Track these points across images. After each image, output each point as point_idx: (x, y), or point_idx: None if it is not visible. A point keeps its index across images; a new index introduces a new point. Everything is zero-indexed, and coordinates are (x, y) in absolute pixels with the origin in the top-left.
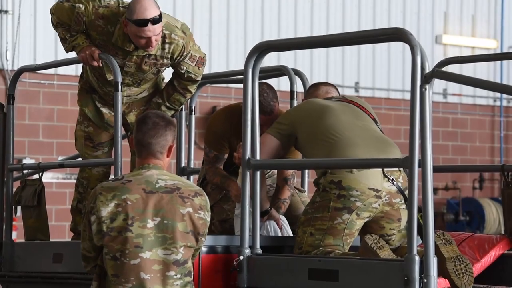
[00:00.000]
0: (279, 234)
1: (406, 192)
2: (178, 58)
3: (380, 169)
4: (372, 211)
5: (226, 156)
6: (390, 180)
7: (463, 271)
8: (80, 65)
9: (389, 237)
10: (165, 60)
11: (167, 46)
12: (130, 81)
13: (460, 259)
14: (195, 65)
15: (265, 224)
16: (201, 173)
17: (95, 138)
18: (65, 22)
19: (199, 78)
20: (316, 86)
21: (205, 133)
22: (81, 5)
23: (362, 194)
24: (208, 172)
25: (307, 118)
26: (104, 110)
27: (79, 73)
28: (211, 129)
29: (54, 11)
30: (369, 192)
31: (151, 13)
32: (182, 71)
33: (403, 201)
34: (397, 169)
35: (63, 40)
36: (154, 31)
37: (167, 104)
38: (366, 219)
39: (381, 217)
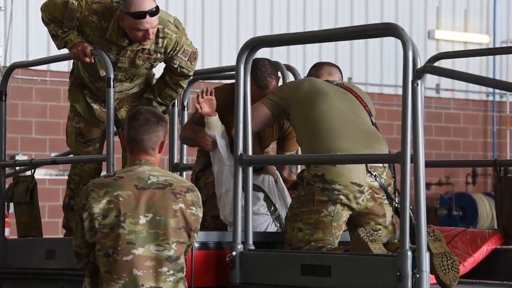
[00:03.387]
0: (275, 190)
1: (389, 189)
2: (171, 52)
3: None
4: (356, 206)
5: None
6: (372, 176)
7: (449, 267)
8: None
9: (376, 233)
10: (159, 55)
11: (160, 40)
12: (123, 76)
13: (448, 255)
14: (188, 60)
15: (260, 177)
16: (195, 167)
17: (86, 134)
18: (57, 19)
19: (191, 73)
20: (320, 65)
21: None
22: (74, 1)
23: (345, 188)
24: (184, 127)
25: (302, 99)
26: (95, 106)
27: None
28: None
29: (46, 7)
30: (352, 187)
31: (148, 5)
32: (175, 66)
33: (385, 197)
34: (381, 165)
35: (54, 36)
36: (151, 23)
37: (159, 100)
38: (351, 212)
39: (366, 213)
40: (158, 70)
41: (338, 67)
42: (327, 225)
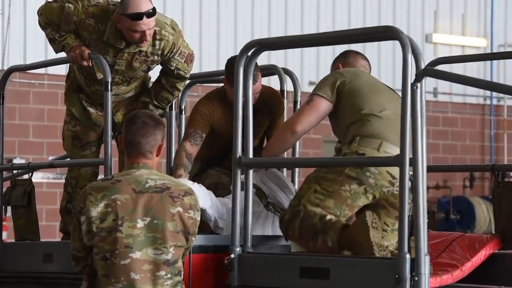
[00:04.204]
0: (265, 179)
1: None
2: (168, 54)
3: None
4: (380, 193)
5: (204, 135)
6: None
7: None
8: None
9: (386, 229)
10: (156, 57)
11: (157, 42)
12: (120, 79)
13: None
14: (184, 62)
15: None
16: (192, 169)
17: (82, 137)
18: (54, 23)
19: (187, 75)
20: (355, 57)
21: (190, 114)
22: (70, 5)
23: (379, 174)
24: (178, 148)
25: (359, 87)
26: (91, 110)
27: None
28: (194, 109)
29: (43, 11)
30: (386, 175)
31: (145, 7)
32: (172, 68)
33: (410, 201)
34: None
35: (52, 40)
36: (148, 25)
37: (155, 103)
38: (371, 200)
39: (382, 206)
40: (154, 73)
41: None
42: (342, 199)
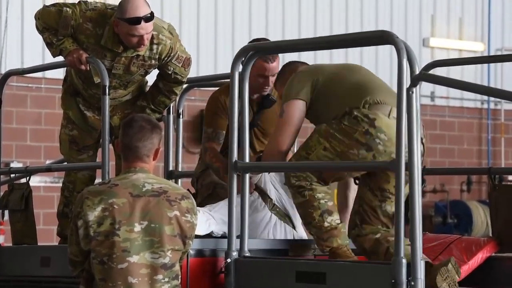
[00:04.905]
0: (267, 181)
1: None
2: (166, 58)
3: None
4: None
5: (224, 132)
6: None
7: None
8: None
9: (389, 196)
10: (153, 61)
11: (155, 47)
12: (117, 83)
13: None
14: (182, 66)
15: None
16: (196, 170)
17: (80, 141)
18: (51, 27)
19: (185, 79)
20: (295, 63)
21: (206, 113)
22: (68, 9)
23: (388, 140)
24: (208, 152)
25: (328, 76)
26: (88, 113)
27: None
28: (206, 108)
29: (40, 16)
30: (394, 142)
31: (143, 11)
32: (169, 72)
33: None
34: (422, 137)
35: (49, 44)
36: (146, 29)
37: (152, 107)
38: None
39: (388, 174)
40: (151, 77)
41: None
42: (348, 159)
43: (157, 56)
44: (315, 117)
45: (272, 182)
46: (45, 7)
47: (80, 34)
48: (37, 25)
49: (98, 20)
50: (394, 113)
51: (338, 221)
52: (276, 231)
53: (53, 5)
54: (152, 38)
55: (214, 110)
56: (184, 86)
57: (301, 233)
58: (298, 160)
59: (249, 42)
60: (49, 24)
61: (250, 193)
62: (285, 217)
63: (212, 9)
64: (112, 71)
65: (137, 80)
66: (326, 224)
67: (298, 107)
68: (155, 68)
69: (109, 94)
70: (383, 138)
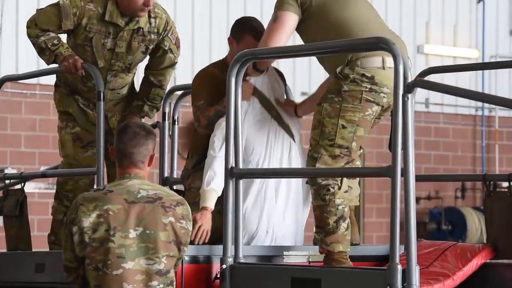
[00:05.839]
0: (267, 84)
1: None
2: (163, 33)
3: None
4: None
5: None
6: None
7: None
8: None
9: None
10: (153, 36)
11: (152, 20)
12: (120, 67)
13: None
14: (174, 44)
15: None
16: (187, 164)
17: (84, 137)
18: (52, 27)
19: (177, 60)
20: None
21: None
22: (64, 0)
23: (391, 91)
24: (200, 116)
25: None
26: (88, 110)
27: None
28: (194, 84)
29: (38, 21)
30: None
31: None
32: (166, 48)
33: None
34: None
35: (43, 50)
36: None
37: (149, 103)
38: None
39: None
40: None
41: None
42: (368, 123)
43: (155, 30)
44: (304, 34)
45: (271, 83)
46: (38, 11)
47: (84, 18)
48: (30, 33)
49: None
50: (387, 63)
51: (347, 227)
52: (277, 142)
53: (48, 6)
54: (149, 12)
55: (207, 85)
56: (180, 92)
57: (298, 143)
58: (324, 150)
59: (236, 20)
60: (50, 24)
61: (248, 99)
62: (284, 124)
63: (207, 15)
64: (115, 50)
65: (138, 59)
66: (338, 231)
67: (292, 17)
68: (154, 45)
69: (104, 100)
70: (386, 91)
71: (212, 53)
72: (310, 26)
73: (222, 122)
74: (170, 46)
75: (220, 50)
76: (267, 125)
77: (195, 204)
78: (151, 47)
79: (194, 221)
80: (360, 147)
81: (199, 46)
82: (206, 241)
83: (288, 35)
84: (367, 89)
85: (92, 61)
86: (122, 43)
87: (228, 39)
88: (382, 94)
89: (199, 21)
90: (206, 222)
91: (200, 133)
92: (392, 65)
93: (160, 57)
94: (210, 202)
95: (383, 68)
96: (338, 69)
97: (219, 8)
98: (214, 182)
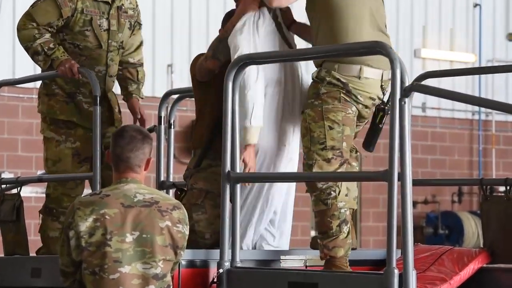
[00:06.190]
0: None
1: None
2: (137, 7)
3: (379, 79)
4: (366, 115)
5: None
6: (382, 91)
7: None
8: None
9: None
10: (131, 12)
11: None
12: (115, 46)
13: None
14: None
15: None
16: (190, 163)
17: (82, 152)
18: (52, 19)
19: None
20: None
21: (196, 69)
22: None
23: (364, 100)
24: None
25: None
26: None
27: None
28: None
29: (36, 17)
30: (369, 101)
31: None
32: (141, 23)
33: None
34: (388, 78)
35: (37, 55)
36: None
37: (141, 84)
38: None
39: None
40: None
41: None
42: (352, 122)
43: (133, 7)
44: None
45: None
46: (31, 9)
47: (78, 2)
48: (25, 35)
49: None
50: (364, 73)
51: (348, 231)
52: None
53: (38, 2)
54: None
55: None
56: (176, 96)
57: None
58: (318, 155)
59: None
60: (49, 17)
61: (256, 8)
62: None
63: (204, 21)
64: (110, 29)
65: (126, 37)
66: (340, 235)
67: None
68: (135, 22)
69: (100, 104)
70: (360, 100)
71: None
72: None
73: (237, 43)
74: (141, 21)
75: None
76: (277, 38)
77: (197, 206)
78: (132, 23)
79: (244, 163)
80: (356, 151)
81: (196, 51)
82: None
83: None
84: (344, 91)
85: (94, 46)
86: (113, 21)
87: (220, 30)
88: (359, 96)
89: (196, 27)
90: (252, 161)
91: (207, 65)
92: (370, 75)
93: (136, 35)
94: (254, 139)
95: (359, 77)
96: (314, 74)
97: (216, 17)
98: (256, 116)
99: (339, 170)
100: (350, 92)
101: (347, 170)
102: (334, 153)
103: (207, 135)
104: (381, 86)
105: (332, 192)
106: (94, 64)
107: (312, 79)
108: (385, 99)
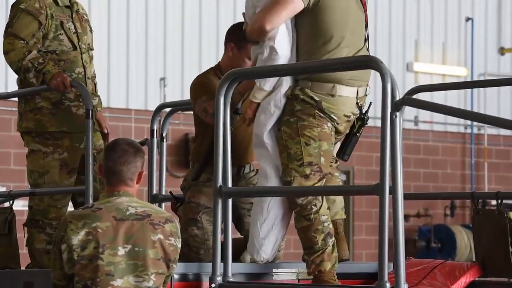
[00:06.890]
0: None
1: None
2: (85, 11)
3: (354, 96)
4: (342, 129)
5: None
6: (358, 107)
7: None
8: None
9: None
10: (86, 16)
11: (77, 0)
12: (85, 48)
13: None
14: None
15: None
16: (187, 174)
17: (70, 163)
18: (34, 30)
19: None
20: None
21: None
22: (24, 4)
23: (338, 119)
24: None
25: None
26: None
27: None
28: (192, 87)
29: (19, 33)
30: (344, 118)
31: None
32: (93, 30)
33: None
34: (365, 94)
35: (29, 71)
36: None
37: (100, 97)
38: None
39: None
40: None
41: None
42: (329, 136)
43: (85, 12)
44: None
45: None
46: (11, 29)
47: (47, 8)
48: (15, 55)
49: None
50: (338, 91)
51: (333, 244)
52: None
53: (12, 19)
54: None
55: (205, 84)
56: (168, 109)
57: None
58: (295, 172)
59: (229, 28)
60: (31, 28)
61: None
62: None
63: (197, 32)
64: (77, 31)
65: (90, 39)
66: (327, 249)
67: (298, 3)
68: (90, 27)
69: (92, 118)
70: (333, 117)
71: (202, 70)
72: (310, 21)
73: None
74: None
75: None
76: None
77: (193, 220)
78: (90, 27)
79: (244, 115)
80: (336, 160)
81: (189, 64)
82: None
83: (290, 13)
84: (318, 107)
85: (69, 49)
86: (77, 24)
87: (228, 44)
88: (332, 115)
89: (189, 41)
90: (251, 114)
91: (209, 122)
92: (344, 93)
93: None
94: (260, 99)
95: (333, 95)
96: (288, 92)
97: (208, 30)
98: (269, 80)
99: (317, 185)
100: (323, 110)
101: (329, 181)
102: (312, 168)
103: (207, 152)
104: (357, 103)
105: (313, 207)
106: (74, 67)
107: (287, 96)
108: (364, 110)
